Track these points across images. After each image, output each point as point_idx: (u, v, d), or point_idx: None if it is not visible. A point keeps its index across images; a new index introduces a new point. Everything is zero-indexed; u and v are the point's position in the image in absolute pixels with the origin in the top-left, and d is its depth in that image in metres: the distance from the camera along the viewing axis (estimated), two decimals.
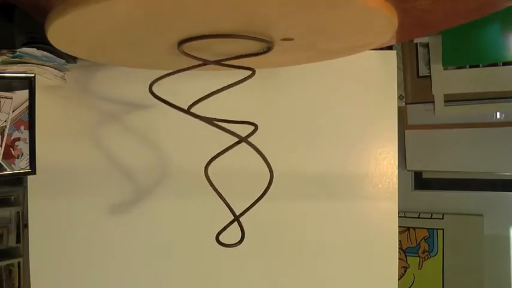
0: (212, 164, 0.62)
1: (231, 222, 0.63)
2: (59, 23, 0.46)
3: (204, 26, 0.50)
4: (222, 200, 0.63)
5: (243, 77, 0.59)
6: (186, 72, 0.60)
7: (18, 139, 0.67)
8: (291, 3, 0.43)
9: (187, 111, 0.58)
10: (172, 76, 0.60)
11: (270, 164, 0.61)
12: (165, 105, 0.63)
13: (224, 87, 0.58)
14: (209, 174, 0.63)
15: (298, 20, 0.48)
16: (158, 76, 0.60)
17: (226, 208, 0.63)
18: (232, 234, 0.63)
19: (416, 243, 1.85)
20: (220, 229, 0.64)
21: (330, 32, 0.55)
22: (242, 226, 0.63)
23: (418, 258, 1.85)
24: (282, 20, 0.48)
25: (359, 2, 0.43)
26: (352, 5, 0.44)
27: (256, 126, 0.62)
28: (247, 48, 0.58)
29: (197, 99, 0.59)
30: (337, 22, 0.50)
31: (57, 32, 0.50)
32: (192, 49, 0.58)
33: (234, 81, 0.59)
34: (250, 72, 0.60)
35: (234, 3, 0.42)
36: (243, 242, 0.62)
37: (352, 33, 0.56)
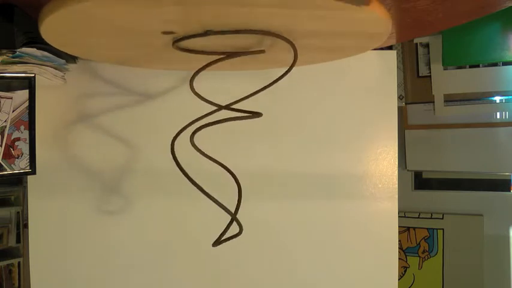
0: (204, 164, 0.62)
1: (230, 224, 0.63)
2: (50, 20, 0.46)
3: (191, 24, 0.50)
4: (218, 203, 0.63)
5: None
6: (184, 71, 0.59)
7: (18, 139, 0.67)
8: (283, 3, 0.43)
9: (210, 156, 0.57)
10: (171, 74, 0.60)
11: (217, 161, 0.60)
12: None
13: (264, 87, 0.59)
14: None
15: (290, 19, 0.48)
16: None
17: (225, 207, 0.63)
18: (229, 234, 0.63)
19: (416, 243, 1.85)
20: (217, 227, 0.63)
21: (325, 34, 0.55)
22: (240, 222, 0.62)
23: (418, 258, 1.85)
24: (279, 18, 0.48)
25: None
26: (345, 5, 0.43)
27: (259, 115, 0.62)
28: (244, 42, 0.58)
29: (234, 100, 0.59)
30: (332, 23, 0.50)
31: (50, 29, 0.50)
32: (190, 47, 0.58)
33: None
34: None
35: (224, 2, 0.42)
36: (242, 242, 0.62)
37: (346, 34, 0.55)
